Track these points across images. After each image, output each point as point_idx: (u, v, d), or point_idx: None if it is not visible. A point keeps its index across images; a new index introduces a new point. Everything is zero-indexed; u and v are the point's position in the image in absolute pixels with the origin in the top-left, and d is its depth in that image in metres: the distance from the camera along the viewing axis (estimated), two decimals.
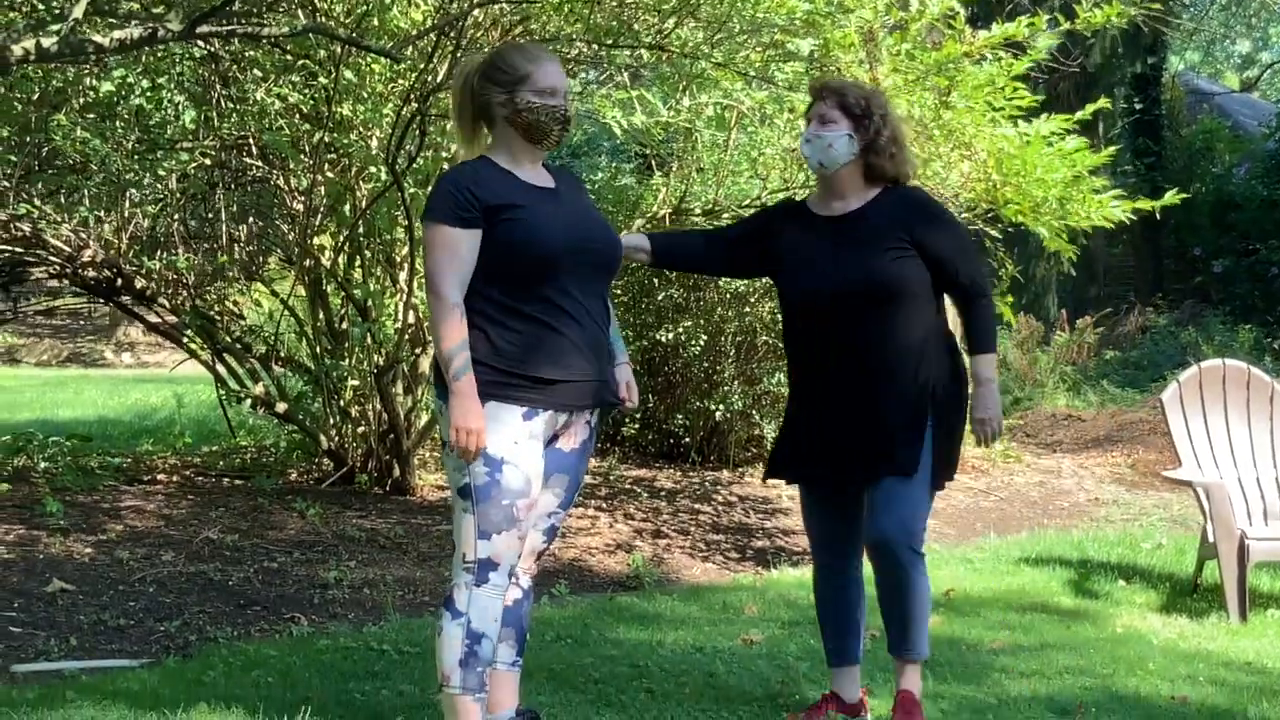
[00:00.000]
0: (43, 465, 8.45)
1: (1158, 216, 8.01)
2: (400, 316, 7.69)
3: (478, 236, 3.80)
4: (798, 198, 7.51)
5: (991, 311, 4.38)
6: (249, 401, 8.46)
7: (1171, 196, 7.43)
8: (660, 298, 9.77)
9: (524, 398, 3.79)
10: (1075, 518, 9.13)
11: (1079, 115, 7.18)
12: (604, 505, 8.35)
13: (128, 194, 8.05)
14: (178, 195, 8.23)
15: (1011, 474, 10.54)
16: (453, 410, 3.73)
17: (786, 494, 9.01)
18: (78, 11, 4.94)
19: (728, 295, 9.58)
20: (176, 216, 8.41)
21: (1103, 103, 7.54)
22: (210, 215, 8.55)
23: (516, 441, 3.78)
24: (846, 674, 4.55)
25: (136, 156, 7.63)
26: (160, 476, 8.34)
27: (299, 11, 6.92)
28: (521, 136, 3.93)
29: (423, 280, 7.64)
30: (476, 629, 3.80)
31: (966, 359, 4.41)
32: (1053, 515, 9.21)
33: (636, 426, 10.12)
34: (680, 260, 4.97)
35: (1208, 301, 18.78)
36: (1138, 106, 20.76)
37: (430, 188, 3.92)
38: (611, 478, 9.18)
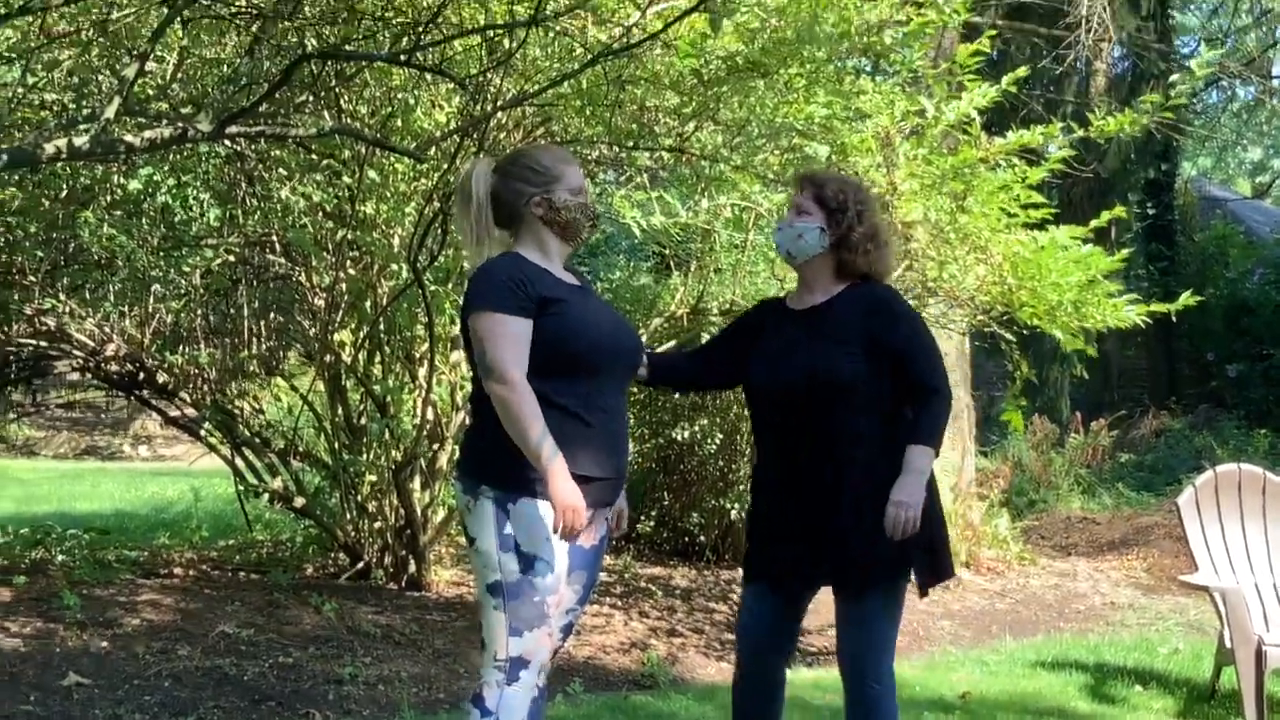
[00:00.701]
0: (60, 558, 8.47)
1: (1173, 319, 8.04)
2: (419, 412, 7.74)
3: (531, 326, 3.82)
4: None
5: (942, 410, 4.22)
6: (267, 496, 8.49)
7: (1186, 298, 7.48)
8: (676, 395, 9.82)
9: (529, 485, 3.80)
10: (1091, 621, 9.09)
11: (1094, 223, 7.25)
12: (619, 603, 8.34)
13: (152, 289, 8.14)
14: (201, 291, 8.32)
15: (1027, 576, 10.51)
16: (554, 491, 3.67)
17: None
18: (110, 111, 5.04)
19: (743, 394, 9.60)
20: (199, 312, 8.50)
21: (1118, 211, 7.61)
22: (232, 311, 8.63)
23: (548, 538, 3.79)
24: None
25: (161, 253, 7.73)
26: (177, 570, 8.36)
27: (325, 113, 7.04)
28: (557, 234, 4.00)
29: (440, 376, 7.76)
30: None
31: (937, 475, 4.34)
32: (1068, 618, 9.17)
33: (652, 524, 10.13)
34: (672, 380, 4.83)
35: (1222, 406, 18.79)
36: (1150, 212, 20.93)
37: (475, 281, 3.90)
38: (626, 576, 9.18)
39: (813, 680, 6.79)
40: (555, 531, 3.74)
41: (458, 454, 3.90)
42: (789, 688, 6.51)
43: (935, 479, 4.28)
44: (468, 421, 3.88)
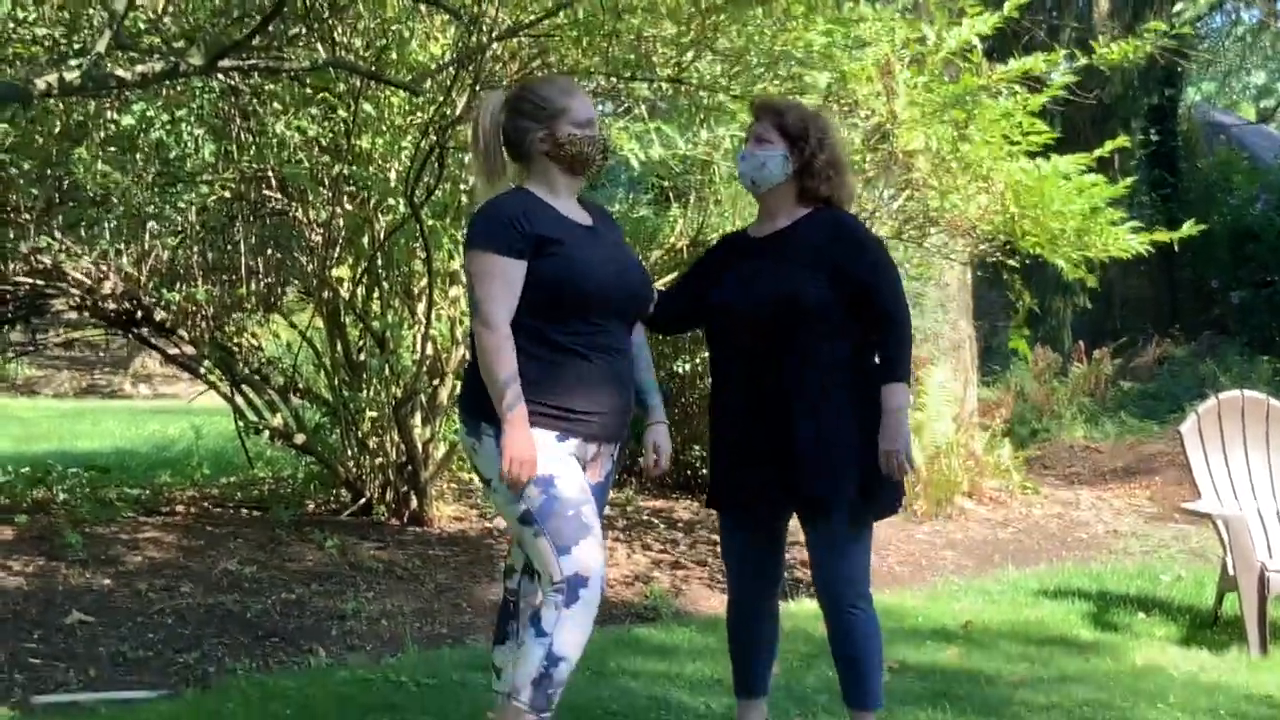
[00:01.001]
0: (61, 497, 8.47)
1: (1175, 248, 8.00)
2: (418, 348, 7.70)
3: (524, 269, 3.82)
4: None
5: (906, 338, 4.21)
6: (267, 433, 8.48)
7: (1189, 228, 7.43)
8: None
9: (556, 424, 3.82)
10: (1094, 550, 9.10)
11: (1097, 152, 7.19)
12: (621, 536, 8.35)
13: (148, 226, 8.08)
14: (197, 228, 8.26)
15: (1029, 506, 10.52)
16: (506, 440, 3.72)
17: None
18: (100, 46, 4.98)
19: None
20: (196, 249, 8.44)
21: (1121, 140, 7.54)
22: (229, 247, 8.57)
23: (558, 458, 3.81)
24: (753, 708, 4.50)
25: (156, 189, 7.67)
26: (179, 508, 8.36)
27: (319, 46, 6.96)
28: (563, 169, 3.97)
29: (440, 312, 7.72)
30: (557, 651, 3.76)
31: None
32: (1071, 547, 9.18)
33: None
34: (666, 324, 4.72)
35: (1225, 333, 18.73)
36: (1154, 139, 20.77)
37: (475, 217, 3.93)
38: (629, 509, 9.18)
39: (815, 612, 6.77)
40: (501, 479, 3.76)
41: (459, 393, 3.85)
42: (792, 619, 6.53)
43: (875, 417, 4.26)
44: (468, 359, 3.85)
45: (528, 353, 3.80)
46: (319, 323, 8.50)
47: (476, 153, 4.07)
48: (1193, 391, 14.66)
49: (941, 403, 10.39)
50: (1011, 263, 7.98)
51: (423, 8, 6.80)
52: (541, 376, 3.81)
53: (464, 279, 3.87)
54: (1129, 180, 7.91)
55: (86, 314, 9.01)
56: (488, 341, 3.77)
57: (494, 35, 6.33)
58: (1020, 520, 10.01)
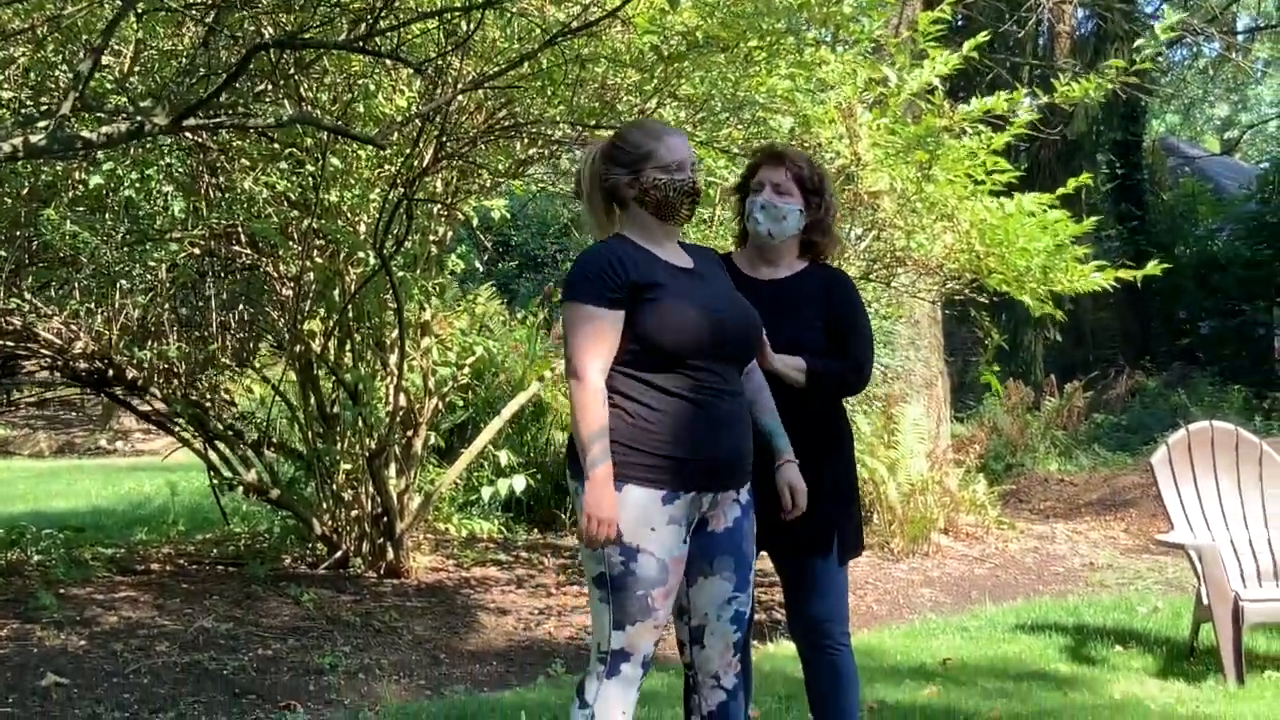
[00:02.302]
0: (36, 558, 8.43)
1: (1138, 285, 8.05)
2: (391, 399, 7.71)
3: (622, 318, 3.71)
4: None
5: (848, 379, 4.33)
6: (241, 488, 8.46)
7: (1153, 267, 7.50)
8: None
9: (663, 480, 3.69)
10: (1070, 583, 9.12)
11: (1060, 191, 7.26)
12: None
13: (118, 285, 8.07)
14: (167, 285, 8.26)
15: (1005, 541, 10.55)
16: (587, 499, 3.62)
17: None
18: (65, 107, 4.99)
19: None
20: (167, 306, 8.43)
21: (1084, 178, 7.60)
22: (200, 304, 8.57)
23: (654, 528, 3.67)
24: None
25: (126, 248, 7.67)
26: (154, 566, 8.33)
27: (285, 101, 6.99)
28: (652, 214, 3.87)
29: (411, 363, 7.74)
30: None
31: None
32: (1047, 581, 9.21)
33: None
34: None
35: (1195, 363, 18.87)
36: (1119, 172, 20.95)
37: (571, 268, 3.81)
38: None
39: (793, 652, 6.77)
40: (580, 537, 3.71)
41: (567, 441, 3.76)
42: (771, 660, 6.53)
43: (854, 457, 4.39)
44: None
45: (636, 400, 3.69)
46: (291, 376, 8.50)
47: (585, 204, 4.00)
48: (1165, 422, 14.76)
49: (915, 440, 10.43)
50: (980, 300, 8.03)
51: (387, 62, 6.84)
52: (646, 425, 3.69)
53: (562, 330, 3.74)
54: (1092, 220, 7.94)
55: (58, 374, 8.99)
56: (576, 395, 3.66)
57: (459, 87, 6.37)
58: (997, 555, 10.04)
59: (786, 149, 4.65)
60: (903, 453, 10.25)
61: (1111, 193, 20.99)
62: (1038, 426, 15.16)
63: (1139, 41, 6.91)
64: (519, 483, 8.53)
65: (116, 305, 8.21)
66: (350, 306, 7.74)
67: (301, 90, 7.15)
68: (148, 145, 7.34)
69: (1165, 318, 20.87)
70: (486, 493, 8.94)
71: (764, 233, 4.37)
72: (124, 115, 5.58)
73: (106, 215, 7.61)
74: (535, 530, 10.47)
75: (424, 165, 6.84)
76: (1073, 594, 8.66)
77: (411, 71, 6.95)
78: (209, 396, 8.53)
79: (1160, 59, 21.53)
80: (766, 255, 4.41)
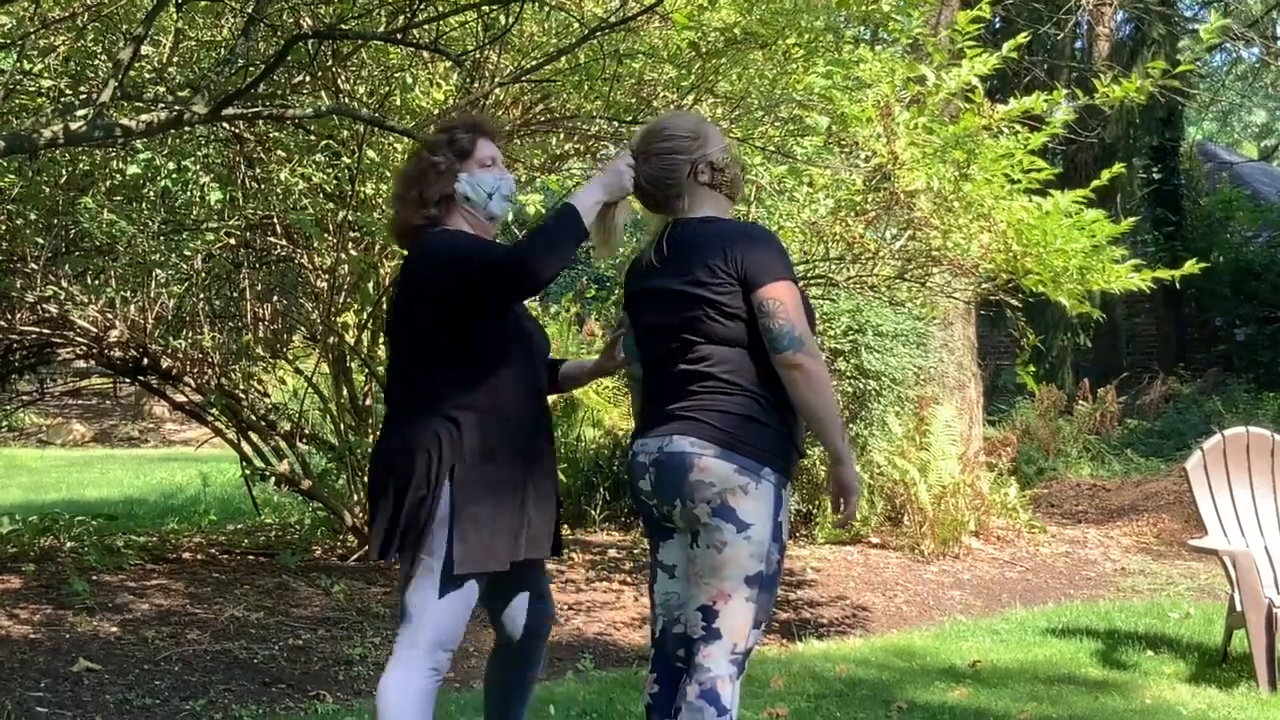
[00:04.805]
0: (69, 545, 8.48)
1: (1178, 286, 8.00)
2: None
3: None
4: (817, 270, 7.57)
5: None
6: (273, 479, 8.49)
7: (1190, 266, 7.43)
8: None
9: (788, 471, 3.70)
10: (1102, 588, 9.07)
11: (1095, 183, 7.21)
12: (629, 579, 8.34)
13: (154, 274, 8.11)
14: (203, 275, 8.30)
15: (1036, 544, 10.50)
16: (852, 476, 3.62)
17: (811, 565, 8.99)
18: (105, 96, 5.02)
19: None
20: (202, 296, 8.47)
21: (1119, 168, 7.54)
22: (235, 294, 8.61)
23: (787, 521, 3.71)
24: None
25: (162, 237, 7.70)
26: (185, 555, 8.37)
27: (322, 93, 7.01)
28: (726, 195, 3.85)
29: None
30: None
31: None
32: (1079, 585, 9.16)
33: None
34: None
35: (1230, 369, 18.76)
36: (1156, 176, 20.84)
37: (769, 246, 3.69)
38: (635, 551, 9.17)
39: (822, 651, 6.78)
40: (840, 517, 3.69)
41: (717, 430, 3.61)
42: (800, 659, 6.52)
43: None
44: (729, 396, 3.64)
45: (770, 387, 3.65)
46: (324, 368, 8.52)
47: (664, 192, 3.83)
48: (1199, 428, 14.67)
49: (947, 442, 10.39)
50: (1014, 301, 7.99)
51: (425, 55, 6.85)
52: (787, 415, 3.67)
53: (767, 307, 3.60)
54: (1131, 220, 7.89)
55: (93, 362, 9.05)
56: (822, 373, 3.58)
57: (496, 81, 6.37)
58: (1027, 559, 9.99)
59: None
60: (934, 454, 10.21)
61: (1148, 197, 20.87)
62: (1070, 431, 15.09)
63: (1181, 43, 6.86)
64: None
65: (152, 294, 8.25)
66: (384, 299, 7.75)
67: (339, 82, 7.17)
68: (185, 135, 7.38)
69: (1200, 324, 20.75)
70: None
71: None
72: (163, 104, 5.61)
73: (143, 204, 7.64)
74: (565, 526, 10.47)
75: None
76: (1104, 598, 8.62)
77: (449, 64, 6.96)
78: (242, 387, 8.56)
79: (1199, 64, 21.42)
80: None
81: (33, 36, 6.23)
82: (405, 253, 3.99)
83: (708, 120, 3.97)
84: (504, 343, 3.77)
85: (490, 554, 3.65)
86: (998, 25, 15.93)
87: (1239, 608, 6.25)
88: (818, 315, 4.26)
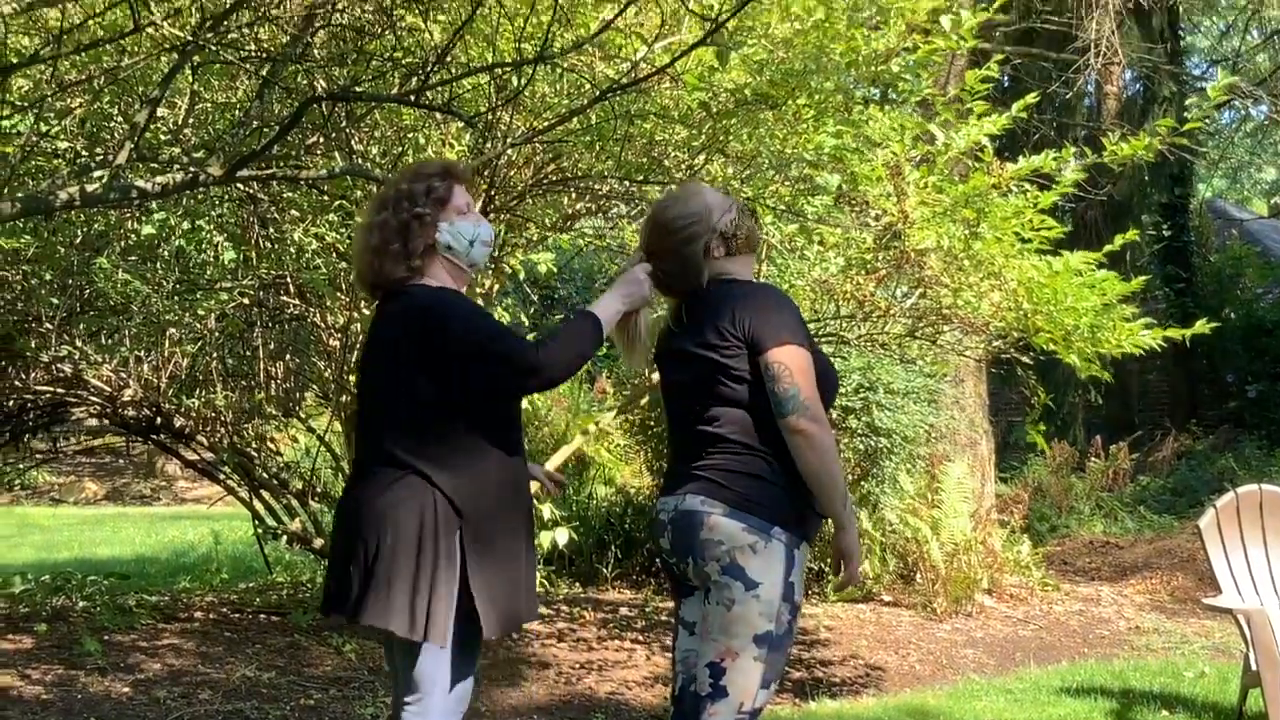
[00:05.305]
0: (81, 605, 8.48)
1: (1187, 344, 8.00)
2: None
3: None
4: (828, 328, 7.58)
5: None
6: (285, 537, 8.49)
7: (1201, 325, 7.43)
8: None
9: (806, 533, 3.72)
10: (1116, 646, 9.03)
11: (1107, 248, 7.23)
12: (640, 638, 8.31)
13: (167, 333, 8.15)
14: (216, 334, 8.33)
15: (1050, 602, 10.46)
16: (854, 542, 3.66)
17: (824, 624, 8.96)
18: (121, 158, 5.07)
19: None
20: (215, 355, 8.50)
21: (1131, 234, 7.56)
22: (248, 353, 8.64)
23: (802, 583, 3.71)
24: None
25: (176, 297, 7.74)
26: (197, 614, 8.36)
27: (336, 154, 7.07)
28: (747, 253, 3.88)
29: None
30: None
31: None
32: (1093, 644, 9.12)
33: None
34: None
35: (1242, 426, 18.71)
36: (1166, 234, 20.86)
37: (780, 307, 3.72)
38: (647, 609, 9.15)
39: (835, 711, 6.75)
40: (841, 582, 3.73)
41: (727, 489, 3.65)
42: (813, 718, 6.49)
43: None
44: (737, 456, 3.67)
45: (782, 452, 3.65)
46: (337, 426, 8.54)
47: (692, 261, 3.85)
48: (1212, 485, 14.63)
49: (959, 499, 10.37)
50: (1025, 359, 7.99)
51: (438, 116, 6.90)
52: (795, 476, 3.66)
53: (772, 371, 3.62)
54: (1142, 278, 7.90)
55: (107, 421, 9.07)
56: (827, 438, 3.60)
57: (509, 142, 6.42)
58: (1041, 617, 9.95)
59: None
60: (946, 512, 10.19)
61: (1158, 255, 20.89)
62: (1082, 488, 15.05)
63: (1190, 100, 6.89)
64: (561, 536, 8.50)
65: (166, 353, 8.29)
66: None
67: (353, 143, 7.22)
68: (200, 196, 7.43)
69: (1212, 381, 20.70)
70: None
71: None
72: (179, 166, 5.66)
73: (158, 264, 7.69)
74: (577, 584, 10.45)
75: None
76: (1118, 657, 8.58)
77: (462, 125, 7.02)
78: (255, 445, 8.58)
79: (1208, 121, 21.50)
80: None
81: (50, 99, 6.29)
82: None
83: (704, 188, 4.00)
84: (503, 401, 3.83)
85: (517, 611, 3.68)
86: (1006, 84, 16.02)
87: (1254, 667, 6.21)
88: None
